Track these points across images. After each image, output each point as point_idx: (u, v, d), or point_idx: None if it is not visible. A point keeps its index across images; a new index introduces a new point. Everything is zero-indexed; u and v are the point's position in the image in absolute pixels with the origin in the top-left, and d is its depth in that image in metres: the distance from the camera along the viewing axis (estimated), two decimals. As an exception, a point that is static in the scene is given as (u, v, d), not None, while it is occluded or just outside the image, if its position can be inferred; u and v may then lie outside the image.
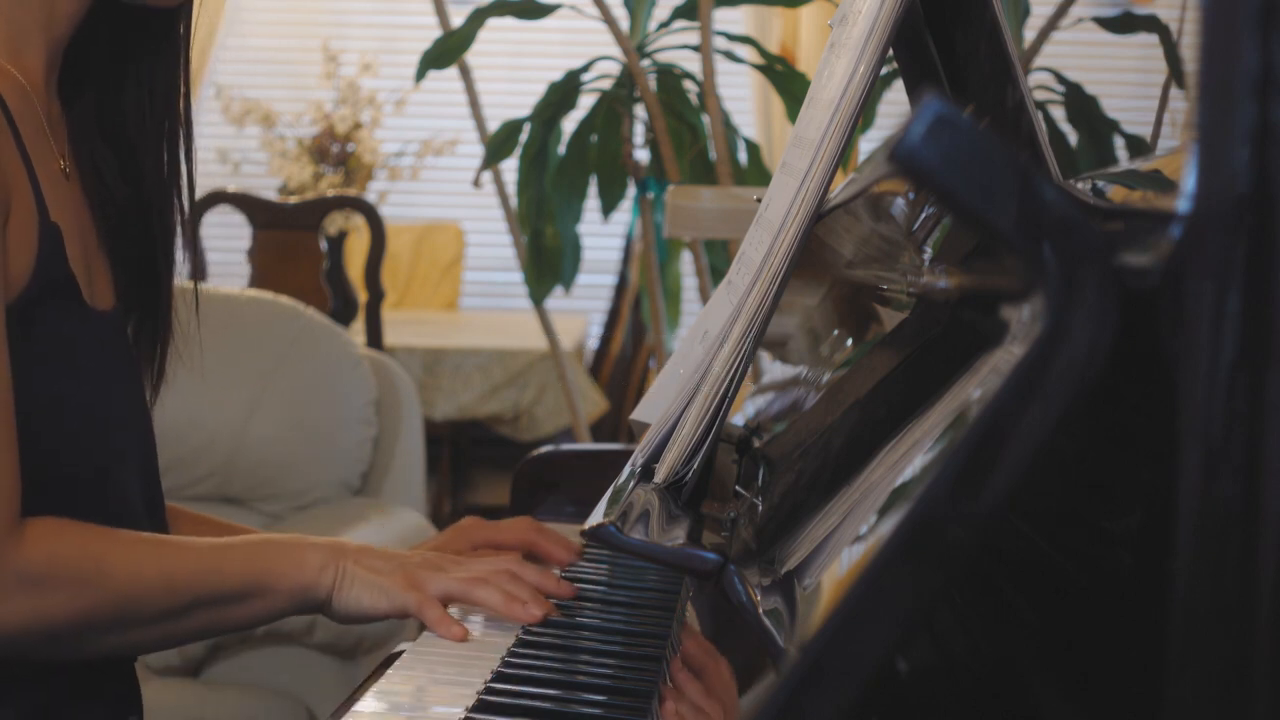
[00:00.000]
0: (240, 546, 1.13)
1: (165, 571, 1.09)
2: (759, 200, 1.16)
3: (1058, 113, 2.68)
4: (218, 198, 3.78)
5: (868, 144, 3.33)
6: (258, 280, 3.64)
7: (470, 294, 5.62)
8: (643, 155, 2.92)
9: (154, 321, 1.26)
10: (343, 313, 3.64)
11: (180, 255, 1.27)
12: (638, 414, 1.22)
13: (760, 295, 1.04)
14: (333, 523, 2.42)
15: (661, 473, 1.07)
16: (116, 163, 1.22)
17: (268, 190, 4.41)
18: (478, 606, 1.11)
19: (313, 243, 3.68)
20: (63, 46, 1.17)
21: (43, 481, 1.08)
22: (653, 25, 2.93)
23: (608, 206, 2.95)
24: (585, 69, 2.89)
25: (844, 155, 1.02)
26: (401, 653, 1.06)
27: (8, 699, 1.11)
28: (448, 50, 2.87)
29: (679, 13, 2.89)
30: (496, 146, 2.91)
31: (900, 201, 1.07)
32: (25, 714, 1.12)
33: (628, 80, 2.86)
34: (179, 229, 1.26)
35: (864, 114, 1.05)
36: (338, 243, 3.86)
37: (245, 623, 1.14)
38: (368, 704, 0.94)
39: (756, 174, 2.88)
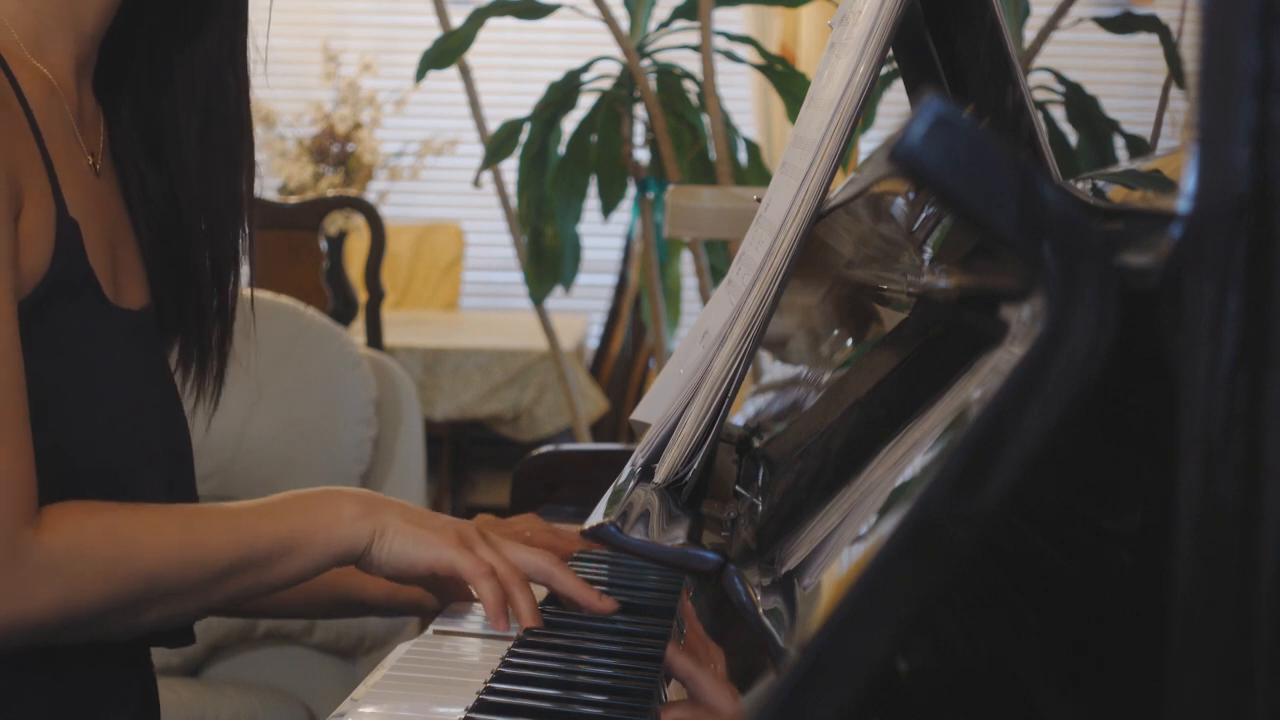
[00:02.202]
0: (271, 506, 1.11)
1: (193, 542, 1.07)
2: (759, 200, 1.16)
3: (1058, 113, 2.68)
4: (218, 198, 3.77)
5: (868, 144, 3.33)
6: (258, 280, 3.64)
7: (470, 294, 5.62)
8: (643, 155, 2.92)
9: (197, 331, 1.26)
10: (343, 313, 3.64)
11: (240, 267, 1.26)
12: (638, 414, 1.22)
13: (760, 295, 1.04)
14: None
15: (661, 473, 1.07)
16: (153, 166, 1.22)
17: (268, 190, 4.41)
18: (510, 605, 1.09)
19: (313, 243, 3.68)
20: (95, 42, 1.16)
21: (57, 476, 1.07)
22: (653, 25, 2.93)
23: (608, 206, 2.95)
24: (585, 69, 2.89)
25: (844, 155, 1.02)
26: (402, 652, 1.06)
27: (21, 701, 1.10)
28: (448, 50, 2.87)
29: (679, 13, 2.89)
30: (496, 146, 2.91)
31: (900, 201, 1.07)
32: (40, 716, 1.11)
33: (628, 80, 2.86)
34: (240, 244, 1.25)
35: (864, 114, 1.05)
36: (338, 243, 3.86)
37: (284, 581, 1.11)
38: (368, 704, 0.94)
39: (756, 174, 2.88)
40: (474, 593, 1.10)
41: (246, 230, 1.26)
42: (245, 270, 1.28)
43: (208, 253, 1.24)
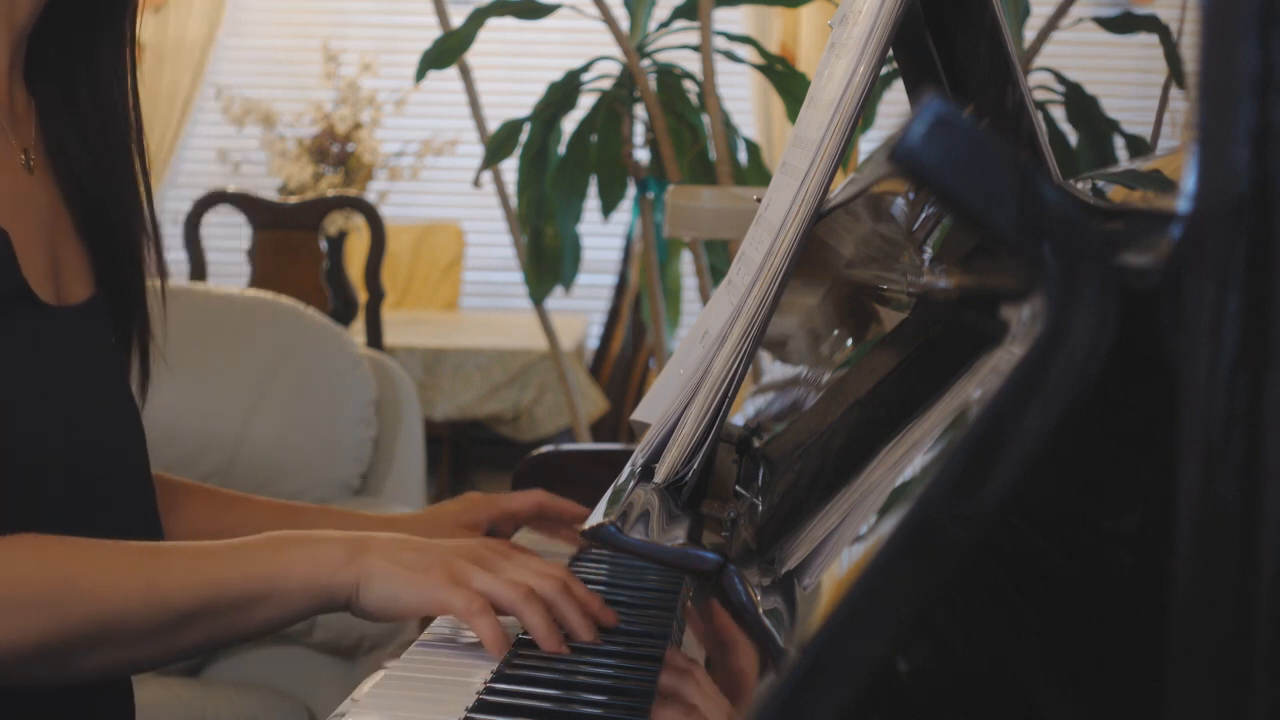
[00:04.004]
0: (245, 548, 1.05)
1: (151, 583, 1.01)
2: (759, 200, 1.16)
3: (1058, 113, 2.68)
4: (218, 198, 3.78)
5: (868, 144, 3.33)
6: (258, 280, 3.65)
7: (470, 294, 5.63)
8: (643, 155, 2.92)
9: (130, 319, 1.24)
10: (343, 313, 3.64)
11: (149, 252, 1.24)
12: (638, 414, 1.22)
13: (760, 295, 1.04)
14: (333, 523, 2.42)
15: (661, 473, 1.07)
16: (83, 155, 1.19)
17: (268, 190, 4.41)
18: (520, 621, 1.03)
19: (313, 243, 3.69)
20: (26, 33, 1.15)
21: (16, 485, 1.05)
22: (653, 25, 2.93)
23: (608, 206, 2.95)
24: (585, 69, 2.89)
25: (844, 155, 1.02)
26: (402, 653, 1.06)
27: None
28: (448, 50, 2.87)
29: (679, 13, 2.89)
30: (496, 146, 2.92)
31: (900, 201, 1.07)
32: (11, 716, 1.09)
33: (628, 80, 2.86)
34: (150, 229, 1.23)
35: (864, 114, 1.05)
36: (338, 243, 3.87)
37: (260, 627, 1.05)
38: (368, 704, 0.94)
39: (756, 174, 2.88)
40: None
41: (150, 232, 1.23)
42: (167, 266, 1.26)
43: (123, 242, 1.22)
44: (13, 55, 1.15)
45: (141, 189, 1.23)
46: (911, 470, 0.71)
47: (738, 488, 1.15)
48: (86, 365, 1.15)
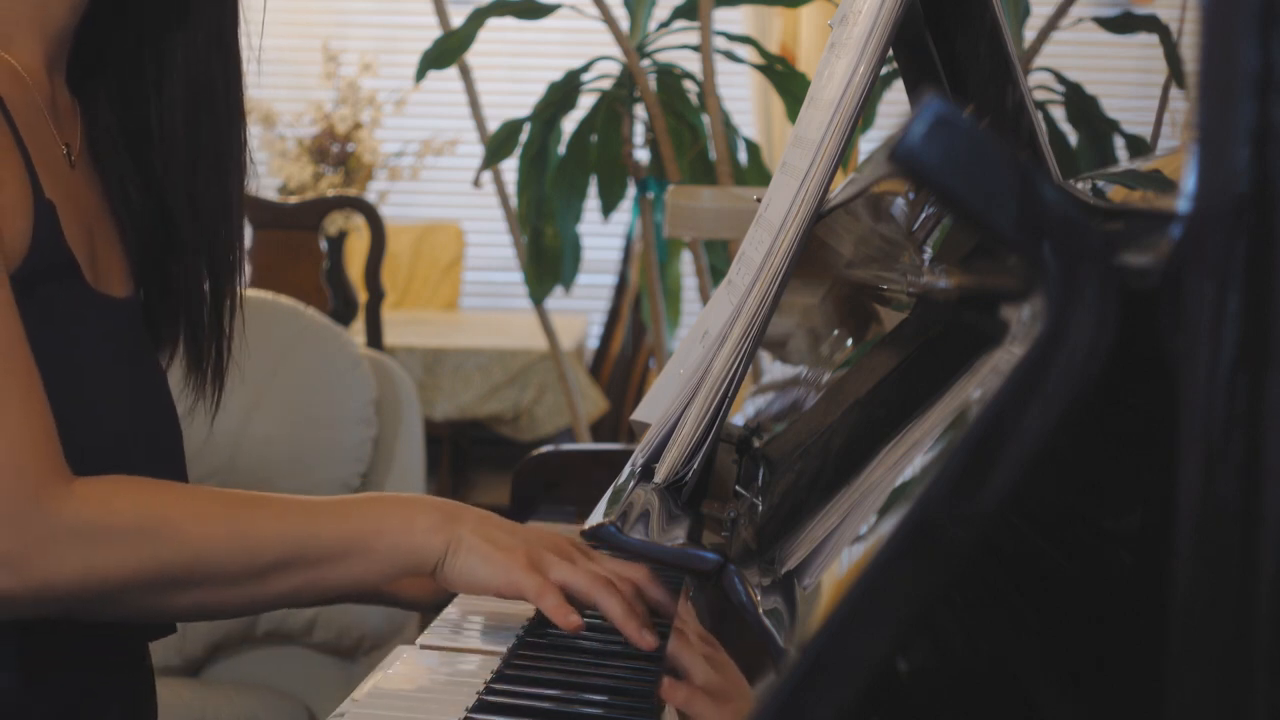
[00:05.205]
0: (337, 504, 1.07)
1: (241, 530, 1.04)
2: (759, 200, 1.16)
3: (1058, 113, 2.68)
4: (218, 198, 3.77)
5: (868, 144, 3.33)
6: (258, 280, 3.64)
7: (470, 294, 5.63)
8: (643, 155, 2.92)
9: (191, 332, 1.23)
10: (343, 313, 3.63)
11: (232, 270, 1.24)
12: (638, 414, 1.22)
13: (760, 295, 1.04)
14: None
15: (661, 473, 1.07)
16: (132, 163, 1.20)
17: (268, 190, 4.41)
18: (596, 609, 1.04)
19: (313, 243, 3.68)
20: (64, 40, 1.15)
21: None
22: (653, 25, 2.93)
23: (608, 206, 2.95)
24: (585, 69, 2.89)
25: (844, 155, 1.02)
26: (403, 653, 1.06)
27: (12, 699, 1.09)
28: (448, 50, 2.87)
29: (679, 13, 2.89)
30: (496, 146, 2.92)
31: (900, 201, 1.07)
32: (35, 714, 1.10)
33: (628, 80, 2.86)
34: (235, 246, 1.23)
35: (864, 114, 1.06)
36: (338, 243, 3.87)
37: (343, 584, 1.06)
38: (368, 703, 0.94)
39: (756, 174, 2.88)
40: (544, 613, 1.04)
41: (239, 231, 1.24)
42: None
43: (203, 255, 1.22)
44: (50, 57, 1.15)
45: (233, 207, 1.22)
46: (911, 470, 0.71)
47: (738, 488, 1.15)
48: (120, 352, 1.15)
